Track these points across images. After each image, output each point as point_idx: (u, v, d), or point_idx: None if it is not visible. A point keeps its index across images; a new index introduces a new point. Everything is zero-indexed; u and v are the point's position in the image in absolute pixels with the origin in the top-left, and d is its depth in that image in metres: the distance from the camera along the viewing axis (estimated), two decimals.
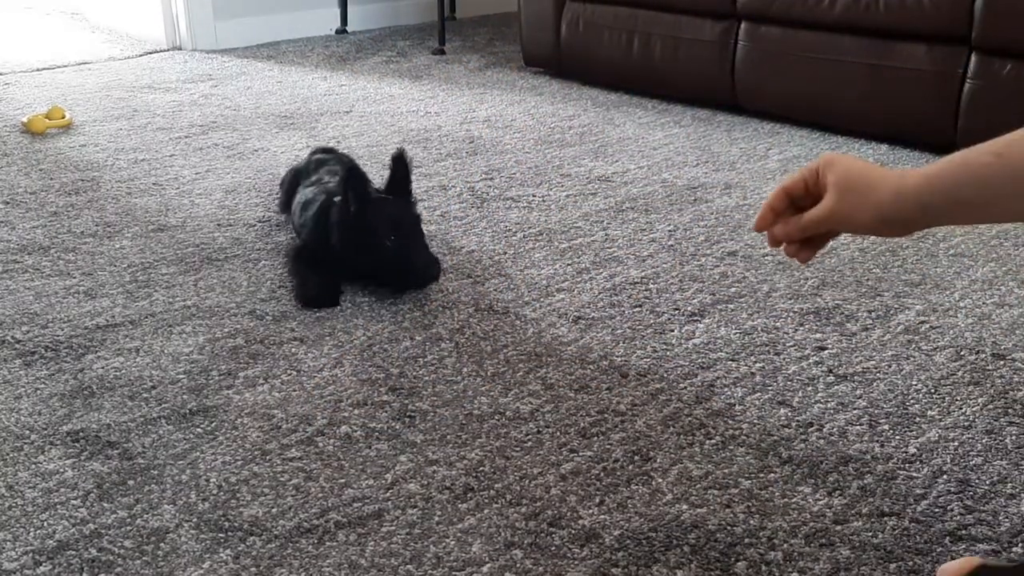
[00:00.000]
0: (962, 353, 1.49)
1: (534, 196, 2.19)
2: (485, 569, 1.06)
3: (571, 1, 3.18)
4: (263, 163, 2.44)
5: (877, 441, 1.27)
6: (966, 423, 1.32)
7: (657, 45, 2.95)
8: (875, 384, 1.41)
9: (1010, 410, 1.34)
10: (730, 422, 1.33)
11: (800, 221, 1.01)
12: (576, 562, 1.07)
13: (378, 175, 2.35)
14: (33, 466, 1.24)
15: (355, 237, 1.69)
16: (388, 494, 1.18)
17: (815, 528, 1.12)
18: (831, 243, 1.88)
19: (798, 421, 1.32)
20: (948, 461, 1.24)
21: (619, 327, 1.59)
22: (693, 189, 2.23)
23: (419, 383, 1.43)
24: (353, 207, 1.69)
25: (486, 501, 1.17)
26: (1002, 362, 1.46)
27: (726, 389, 1.40)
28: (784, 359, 1.48)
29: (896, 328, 1.57)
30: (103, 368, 1.48)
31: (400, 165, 1.73)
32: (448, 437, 1.30)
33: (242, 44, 3.83)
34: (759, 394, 1.39)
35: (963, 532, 1.11)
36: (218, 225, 2.04)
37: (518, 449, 1.27)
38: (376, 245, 1.68)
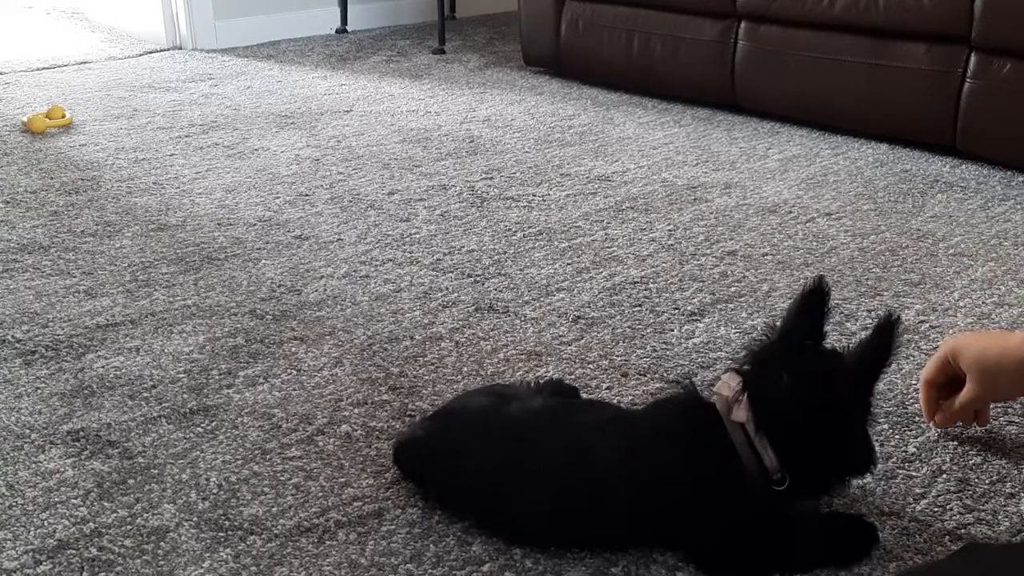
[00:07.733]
0: None
1: (534, 195, 2.19)
2: (485, 568, 1.06)
3: (571, 1, 3.18)
4: (263, 162, 2.44)
5: (876, 440, 1.27)
6: None
7: (657, 45, 2.96)
8: None
9: (1009, 409, 1.34)
10: None
11: (954, 409, 1.22)
12: (576, 562, 1.07)
13: (377, 174, 2.36)
14: (33, 465, 1.25)
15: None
16: (388, 493, 1.19)
17: None
18: (830, 243, 1.90)
19: None
20: (947, 460, 1.24)
21: (619, 327, 1.59)
22: (693, 189, 2.23)
23: (419, 383, 1.44)
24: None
25: None
26: None
27: None
28: None
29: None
30: (103, 367, 1.48)
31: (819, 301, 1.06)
32: None
33: (242, 43, 3.83)
34: None
35: (963, 531, 1.11)
36: (218, 224, 2.04)
37: None
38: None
